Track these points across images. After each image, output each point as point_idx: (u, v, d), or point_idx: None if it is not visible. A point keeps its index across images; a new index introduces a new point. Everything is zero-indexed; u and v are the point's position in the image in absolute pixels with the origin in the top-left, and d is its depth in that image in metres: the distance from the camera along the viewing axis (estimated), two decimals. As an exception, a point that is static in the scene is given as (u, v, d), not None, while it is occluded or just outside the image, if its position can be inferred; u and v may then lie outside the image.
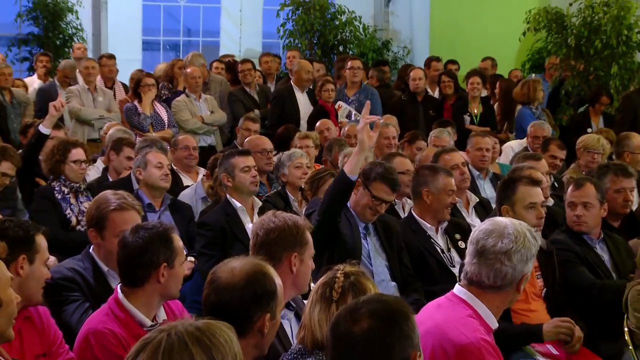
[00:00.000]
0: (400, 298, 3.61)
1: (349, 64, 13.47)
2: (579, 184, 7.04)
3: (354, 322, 3.33)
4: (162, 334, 2.81)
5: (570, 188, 7.08)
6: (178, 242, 4.74)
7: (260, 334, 3.86)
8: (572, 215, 6.97)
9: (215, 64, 15.13)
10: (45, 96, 13.60)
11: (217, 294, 3.85)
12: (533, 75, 16.88)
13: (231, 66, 14.94)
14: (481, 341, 4.17)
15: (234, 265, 3.93)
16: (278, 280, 4.00)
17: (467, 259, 4.43)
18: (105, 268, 5.55)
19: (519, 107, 13.43)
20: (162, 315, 4.76)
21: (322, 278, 4.28)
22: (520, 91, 13.31)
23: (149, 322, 4.61)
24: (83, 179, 8.57)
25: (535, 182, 6.54)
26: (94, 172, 9.81)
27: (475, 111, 13.48)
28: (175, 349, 2.75)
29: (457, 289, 4.44)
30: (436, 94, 14.48)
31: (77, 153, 8.42)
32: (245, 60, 14.44)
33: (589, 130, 12.34)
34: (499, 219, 4.49)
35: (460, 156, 8.61)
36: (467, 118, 13.35)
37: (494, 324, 4.37)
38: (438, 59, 16.05)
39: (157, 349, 2.77)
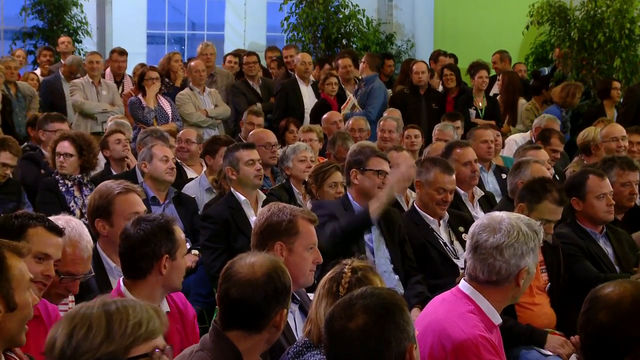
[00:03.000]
0: (394, 290, 3.56)
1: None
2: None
3: (349, 318, 3.31)
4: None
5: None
6: (180, 233, 4.74)
7: (275, 328, 3.86)
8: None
9: (228, 58, 15.12)
10: (50, 89, 13.67)
11: (239, 289, 3.83)
12: (546, 69, 16.85)
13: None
14: (479, 337, 4.16)
15: (252, 261, 3.91)
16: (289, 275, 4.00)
17: (465, 253, 4.45)
18: (112, 264, 5.52)
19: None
20: (165, 307, 4.75)
21: (329, 273, 4.28)
22: (559, 93, 13.30)
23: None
24: (86, 172, 8.58)
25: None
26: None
27: (480, 105, 13.48)
28: (80, 311, 2.87)
29: (462, 283, 4.43)
30: (440, 88, 14.48)
31: (62, 146, 8.44)
32: (250, 53, 14.46)
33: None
34: (496, 213, 4.49)
35: (473, 152, 8.50)
36: (472, 112, 13.34)
37: (497, 319, 4.35)
38: (445, 53, 16.06)
39: (69, 313, 2.92)
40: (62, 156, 8.43)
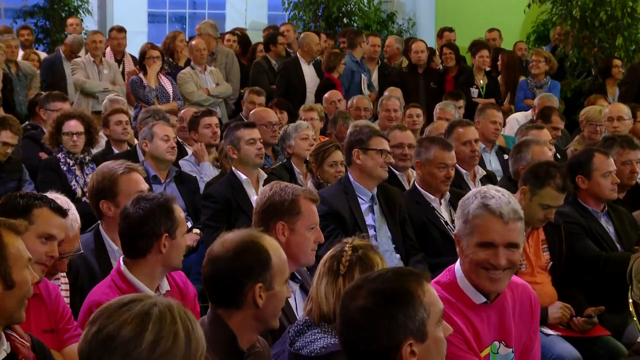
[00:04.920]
0: (414, 277, 3.37)
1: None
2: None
3: (353, 299, 3.26)
4: (147, 300, 2.73)
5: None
6: (179, 212, 4.72)
7: (254, 305, 3.78)
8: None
9: (227, 36, 15.10)
10: (51, 68, 13.65)
11: (210, 266, 3.81)
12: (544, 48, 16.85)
13: (244, 39, 14.93)
14: None
15: (227, 237, 3.87)
16: (274, 250, 3.88)
17: None
18: (115, 247, 5.46)
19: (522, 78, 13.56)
20: (165, 286, 4.77)
21: (330, 251, 4.24)
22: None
23: (152, 293, 4.58)
24: (87, 150, 8.61)
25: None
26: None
27: (481, 82, 13.46)
28: (166, 320, 2.67)
29: None
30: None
31: (69, 125, 8.47)
32: (279, 33, 14.44)
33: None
34: (484, 188, 4.43)
35: (474, 132, 8.50)
36: (474, 90, 13.33)
37: (477, 299, 4.23)
38: (451, 30, 16.02)
39: (153, 312, 2.68)
40: (74, 135, 8.47)
